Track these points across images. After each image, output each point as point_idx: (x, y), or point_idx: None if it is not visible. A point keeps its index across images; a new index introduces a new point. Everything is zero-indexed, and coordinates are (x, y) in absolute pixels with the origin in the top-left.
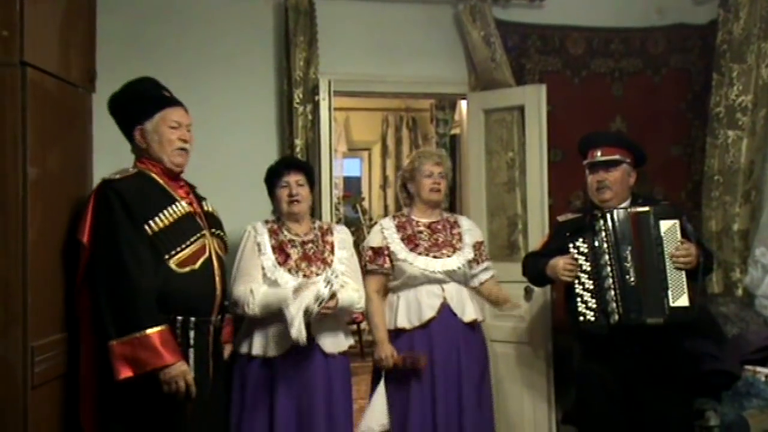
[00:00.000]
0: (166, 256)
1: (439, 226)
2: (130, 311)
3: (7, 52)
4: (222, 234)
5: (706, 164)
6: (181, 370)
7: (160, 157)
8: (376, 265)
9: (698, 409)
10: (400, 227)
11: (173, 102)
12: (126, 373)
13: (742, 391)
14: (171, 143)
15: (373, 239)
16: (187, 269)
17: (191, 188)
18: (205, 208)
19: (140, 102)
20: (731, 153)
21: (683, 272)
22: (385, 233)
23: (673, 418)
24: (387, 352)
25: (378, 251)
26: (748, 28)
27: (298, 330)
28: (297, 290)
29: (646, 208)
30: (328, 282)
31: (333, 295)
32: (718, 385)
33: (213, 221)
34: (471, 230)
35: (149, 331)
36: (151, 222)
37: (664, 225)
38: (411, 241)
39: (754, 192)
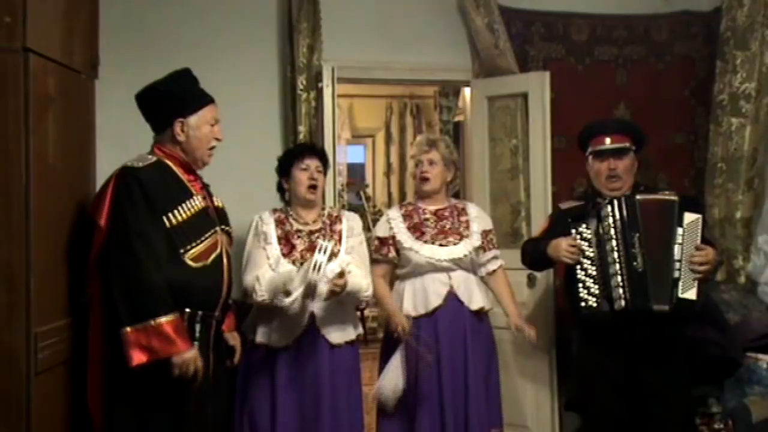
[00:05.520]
0: (182, 251)
1: (446, 213)
2: (144, 299)
3: (10, 38)
4: (229, 230)
5: (709, 152)
6: (194, 355)
7: (193, 153)
8: (380, 255)
9: (700, 395)
10: (406, 216)
11: (211, 98)
12: (140, 359)
13: (744, 378)
14: (209, 141)
15: (380, 229)
16: (200, 264)
17: (204, 183)
18: (216, 203)
19: (189, 94)
20: (735, 140)
21: None
22: (391, 223)
23: (674, 405)
24: (402, 321)
25: (383, 241)
26: (752, 16)
27: (294, 299)
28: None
29: (675, 198)
30: (323, 248)
31: (342, 274)
32: (720, 372)
33: (222, 217)
34: (479, 218)
35: (163, 319)
36: (170, 215)
37: (688, 217)
38: (417, 230)
39: (757, 179)
